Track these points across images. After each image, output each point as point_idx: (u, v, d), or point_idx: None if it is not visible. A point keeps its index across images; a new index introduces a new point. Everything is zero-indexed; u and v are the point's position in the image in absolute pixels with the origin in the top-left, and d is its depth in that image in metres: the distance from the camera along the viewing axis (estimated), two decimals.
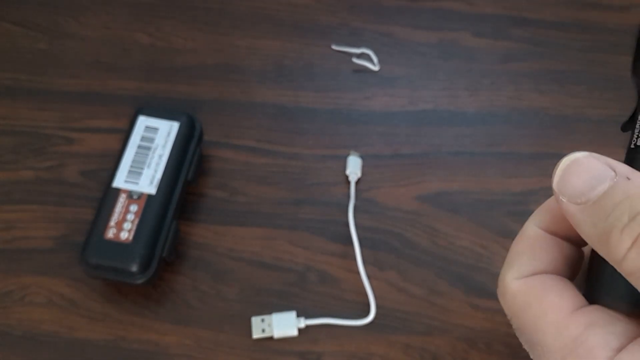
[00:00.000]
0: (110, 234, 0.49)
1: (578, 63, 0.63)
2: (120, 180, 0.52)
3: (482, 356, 0.50)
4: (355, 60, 0.62)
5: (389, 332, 0.51)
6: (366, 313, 0.51)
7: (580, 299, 0.22)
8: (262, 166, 0.58)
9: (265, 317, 0.51)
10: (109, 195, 0.51)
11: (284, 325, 0.50)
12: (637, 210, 0.18)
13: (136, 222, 0.50)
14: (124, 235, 0.49)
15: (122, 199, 0.51)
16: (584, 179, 0.20)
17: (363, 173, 0.57)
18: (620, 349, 0.20)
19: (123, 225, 0.50)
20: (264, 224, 0.55)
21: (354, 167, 0.56)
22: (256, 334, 0.50)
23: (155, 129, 0.54)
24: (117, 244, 0.49)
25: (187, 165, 0.54)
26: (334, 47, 0.63)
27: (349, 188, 0.56)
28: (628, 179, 0.19)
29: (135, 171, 0.52)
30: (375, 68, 0.62)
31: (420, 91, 0.61)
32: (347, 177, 0.57)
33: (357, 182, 0.56)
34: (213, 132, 0.58)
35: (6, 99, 0.61)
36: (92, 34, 0.64)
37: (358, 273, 0.52)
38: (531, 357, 0.22)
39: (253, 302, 0.52)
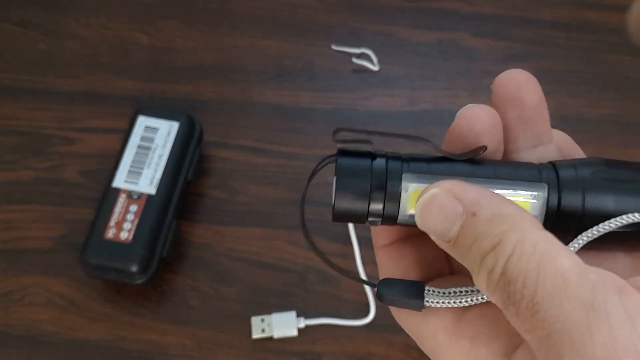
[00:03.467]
0: (110, 234, 0.49)
1: (578, 63, 0.63)
2: (120, 180, 0.52)
3: None
4: (355, 60, 0.62)
5: (389, 332, 0.51)
6: (366, 313, 0.51)
7: (451, 313, 0.22)
8: (262, 166, 0.58)
9: (265, 317, 0.51)
10: (109, 195, 0.51)
11: (283, 325, 0.50)
12: (484, 252, 0.19)
13: (136, 222, 0.50)
14: (124, 235, 0.49)
15: (122, 199, 0.51)
16: (439, 221, 0.20)
17: None
18: (508, 354, 0.20)
19: (123, 225, 0.50)
20: (264, 224, 0.55)
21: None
22: (256, 334, 0.50)
23: (155, 129, 0.54)
24: (116, 244, 0.49)
25: (186, 165, 0.54)
26: (334, 47, 0.63)
27: None
28: (473, 214, 0.19)
29: (135, 171, 0.52)
30: (375, 68, 0.62)
31: (420, 91, 0.61)
32: None
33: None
34: (213, 132, 0.58)
35: (6, 99, 0.61)
36: (92, 34, 0.64)
37: (358, 273, 0.52)
38: None
39: (253, 302, 0.52)
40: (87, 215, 0.53)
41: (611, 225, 0.20)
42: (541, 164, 0.22)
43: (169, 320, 0.51)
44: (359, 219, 0.22)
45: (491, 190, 0.20)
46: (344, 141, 0.22)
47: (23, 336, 0.50)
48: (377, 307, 0.51)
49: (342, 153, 0.22)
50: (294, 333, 0.50)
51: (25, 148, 0.58)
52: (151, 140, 0.53)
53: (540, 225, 0.19)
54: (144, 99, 0.60)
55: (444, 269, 0.24)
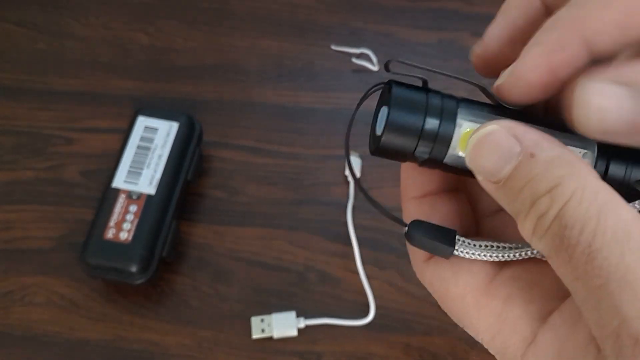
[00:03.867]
0: (110, 234, 0.49)
1: None
2: (119, 181, 0.52)
3: (482, 356, 0.50)
4: (354, 60, 0.62)
5: (389, 332, 0.51)
6: (366, 313, 0.51)
7: (490, 265, 0.21)
8: (262, 166, 0.58)
9: (265, 317, 0.51)
10: (109, 195, 0.51)
11: (283, 325, 0.50)
12: (538, 195, 0.18)
13: (136, 222, 0.50)
14: (124, 236, 0.49)
15: (121, 199, 0.51)
16: (492, 159, 0.19)
17: (363, 173, 0.57)
18: (543, 317, 0.19)
19: (122, 226, 0.50)
20: (264, 224, 0.55)
21: (353, 167, 0.56)
22: (256, 334, 0.50)
23: (154, 129, 0.54)
24: (116, 244, 0.49)
25: (186, 166, 0.54)
26: (334, 47, 0.63)
27: (348, 188, 0.56)
28: (532, 155, 0.18)
29: (135, 171, 0.52)
30: (375, 68, 0.62)
31: None
32: (346, 177, 0.57)
33: (355, 183, 0.56)
34: (213, 132, 0.58)
35: (6, 99, 0.61)
36: (92, 34, 0.64)
37: (358, 273, 0.52)
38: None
39: (253, 302, 0.52)
40: (87, 215, 0.53)
41: None
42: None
43: (169, 320, 0.51)
44: (404, 154, 0.21)
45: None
46: (398, 73, 0.21)
47: (23, 336, 0.50)
48: (377, 308, 0.51)
49: (396, 83, 0.21)
50: (294, 333, 0.50)
51: (25, 148, 0.58)
52: (151, 140, 0.53)
53: (599, 177, 0.18)
54: (144, 99, 0.60)
55: (472, 229, 0.24)
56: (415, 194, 0.23)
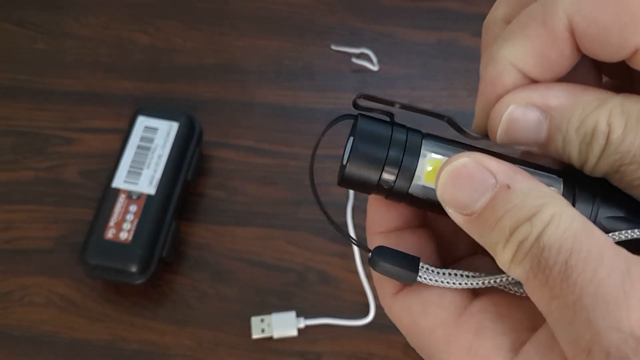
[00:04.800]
0: (110, 234, 0.49)
1: None
2: (119, 181, 0.52)
3: None
4: (354, 60, 0.62)
5: (389, 332, 0.51)
6: (366, 313, 0.51)
7: (460, 299, 0.21)
8: (262, 166, 0.58)
9: (265, 317, 0.51)
10: (109, 195, 0.51)
11: (283, 325, 0.50)
12: (517, 223, 0.18)
13: (135, 222, 0.50)
14: (124, 236, 0.49)
15: (121, 199, 0.51)
16: (466, 192, 0.19)
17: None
18: (515, 350, 0.19)
19: (122, 226, 0.50)
20: (264, 224, 0.55)
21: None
22: (256, 334, 0.50)
23: (154, 129, 0.54)
24: (116, 244, 0.49)
25: (186, 166, 0.54)
26: (334, 47, 0.63)
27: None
28: (508, 187, 0.19)
29: (135, 171, 0.52)
30: (375, 68, 0.62)
31: (420, 91, 0.61)
32: None
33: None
34: (212, 132, 0.58)
35: (6, 99, 0.61)
36: (92, 34, 0.64)
37: (357, 273, 0.52)
38: None
39: (253, 302, 0.52)
40: (87, 215, 0.53)
41: (614, 237, 0.20)
42: (557, 169, 0.22)
43: (169, 320, 0.51)
44: (368, 185, 0.21)
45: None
46: (365, 108, 0.21)
47: (23, 336, 0.50)
48: (377, 307, 0.51)
49: (362, 116, 0.21)
50: (294, 333, 0.50)
51: (25, 148, 0.58)
52: (151, 140, 0.53)
53: (572, 206, 0.19)
54: (144, 99, 0.60)
55: (438, 263, 0.23)
56: (381, 229, 0.24)
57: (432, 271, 0.21)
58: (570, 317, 0.17)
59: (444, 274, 0.21)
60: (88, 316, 0.51)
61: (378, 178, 0.21)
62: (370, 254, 0.22)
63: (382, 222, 0.24)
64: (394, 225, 0.23)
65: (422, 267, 0.21)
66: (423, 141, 0.21)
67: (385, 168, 0.20)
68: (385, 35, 0.64)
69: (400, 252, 0.21)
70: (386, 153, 0.20)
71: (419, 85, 0.62)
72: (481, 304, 0.21)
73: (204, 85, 0.61)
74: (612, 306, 0.16)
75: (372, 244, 0.23)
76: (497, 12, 0.23)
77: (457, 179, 0.19)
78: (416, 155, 0.20)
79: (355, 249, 0.52)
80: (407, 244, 0.23)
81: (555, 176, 0.21)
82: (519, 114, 0.20)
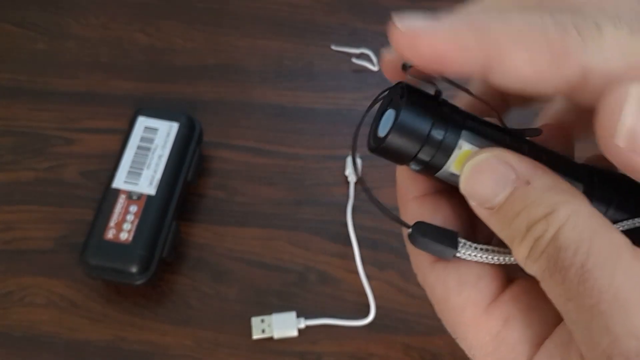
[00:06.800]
0: (110, 234, 0.49)
1: None
2: (119, 181, 0.52)
3: None
4: (354, 60, 0.62)
5: (389, 332, 0.51)
6: (366, 313, 0.51)
7: (495, 284, 0.21)
8: (262, 166, 0.57)
9: (265, 317, 0.51)
10: (109, 195, 0.51)
11: (283, 325, 0.50)
12: (534, 220, 0.18)
13: (136, 222, 0.50)
14: (124, 236, 0.49)
15: (121, 200, 0.51)
16: (487, 185, 0.20)
17: (362, 173, 0.57)
18: (539, 343, 0.20)
19: (123, 226, 0.50)
20: (264, 225, 0.55)
21: (353, 168, 0.56)
22: (256, 335, 0.50)
23: (154, 130, 0.54)
24: (116, 245, 0.49)
25: (186, 166, 0.54)
26: (334, 47, 0.63)
27: (348, 188, 0.56)
28: (528, 182, 0.19)
29: (135, 172, 0.52)
30: (375, 68, 0.62)
31: None
32: (346, 177, 0.57)
33: (357, 183, 0.56)
34: (213, 132, 0.58)
35: (6, 99, 0.61)
36: (92, 34, 0.64)
37: (358, 273, 0.52)
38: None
39: (253, 303, 0.52)
40: (87, 215, 0.53)
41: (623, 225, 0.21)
42: (583, 165, 0.22)
43: (169, 321, 0.51)
44: (403, 157, 0.21)
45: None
46: (414, 77, 0.21)
47: (23, 337, 0.50)
48: (377, 308, 0.51)
49: (410, 88, 0.21)
50: (294, 333, 0.50)
51: (25, 148, 0.58)
52: (151, 140, 0.53)
53: (590, 204, 0.19)
54: (144, 99, 0.60)
55: (470, 229, 0.24)
56: (416, 194, 0.24)
57: (470, 246, 0.21)
58: (587, 321, 0.17)
59: (481, 249, 0.21)
60: (88, 316, 0.51)
61: (416, 153, 0.21)
62: (409, 229, 0.22)
63: (416, 186, 0.24)
64: (428, 189, 0.24)
65: (460, 242, 0.21)
66: (462, 132, 0.21)
67: (424, 147, 0.21)
68: (386, 35, 0.64)
69: (438, 227, 0.22)
70: (429, 130, 0.20)
71: None
72: (513, 293, 0.21)
73: (204, 86, 0.61)
74: (631, 313, 0.16)
75: (406, 211, 0.24)
76: None
77: (479, 173, 0.20)
78: (456, 137, 0.21)
79: (356, 249, 0.52)
80: (444, 208, 0.23)
81: (580, 170, 0.21)
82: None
